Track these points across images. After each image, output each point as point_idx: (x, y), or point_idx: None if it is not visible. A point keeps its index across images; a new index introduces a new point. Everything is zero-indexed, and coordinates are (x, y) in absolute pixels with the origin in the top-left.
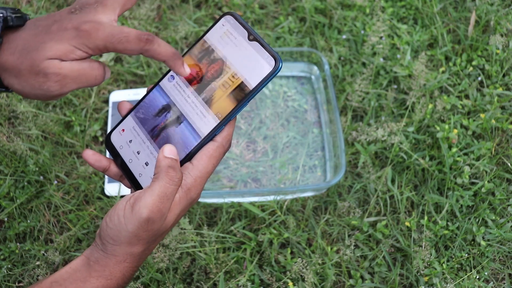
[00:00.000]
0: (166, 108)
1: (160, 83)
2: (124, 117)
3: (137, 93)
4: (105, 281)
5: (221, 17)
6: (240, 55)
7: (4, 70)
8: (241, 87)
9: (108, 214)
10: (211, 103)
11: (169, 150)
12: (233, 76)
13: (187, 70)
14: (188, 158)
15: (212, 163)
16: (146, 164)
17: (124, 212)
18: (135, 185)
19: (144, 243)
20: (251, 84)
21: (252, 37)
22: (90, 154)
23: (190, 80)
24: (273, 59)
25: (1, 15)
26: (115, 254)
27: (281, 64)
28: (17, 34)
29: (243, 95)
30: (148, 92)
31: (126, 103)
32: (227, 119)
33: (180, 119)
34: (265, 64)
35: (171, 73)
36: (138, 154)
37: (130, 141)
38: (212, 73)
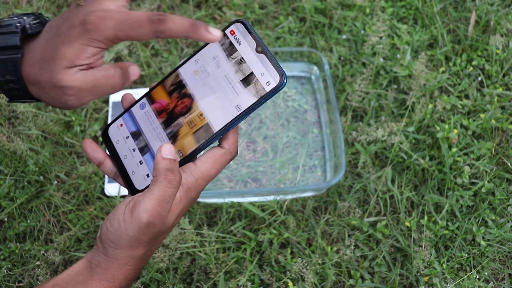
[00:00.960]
0: (135, 135)
1: (131, 109)
2: (124, 112)
3: (137, 93)
4: (107, 284)
5: (230, 24)
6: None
7: (29, 83)
8: (205, 128)
9: (108, 218)
10: (176, 138)
11: (167, 150)
12: (200, 115)
13: (215, 33)
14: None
15: (216, 167)
16: (140, 162)
17: (123, 217)
18: (128, 183)
19: (145, 245)
20: (215, 128)
21: (260, 49)
22: (88, 143)
23: (159, 111)
24: (278, 74)
25: (19, 24)
26: (116, 258)
27: (285, 80)
28: (36, 42)
29: (207, 137)
30: (148, 92)
31: (130, 96)
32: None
33: (146, 149)
34: (270, 79)
35: (143, 100)
36: (134, 151)
37: (127, 137)
38: (180, 109)
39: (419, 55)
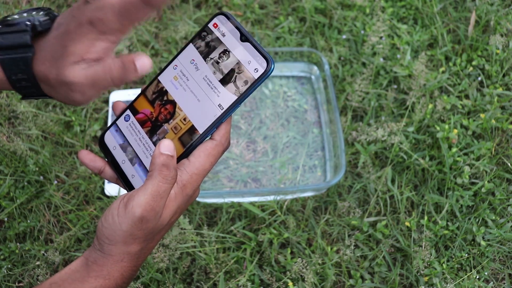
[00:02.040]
0: (123, 147)
1: (117, 122)
2: (117, 118)
3: (135, 94)
4: (103, 281)
5: (213, 17)
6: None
7: (40, 81)
8: (190, 131)
9: (104, 214)
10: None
11: (165, 146)
12: (184, 119)
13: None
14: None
15: (210, 161)
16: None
17: (117, 211)
18: (129, 187)
19: (140, 241)
20: (200, 130)
21: (245, 38)
22: (85, 154)
23: (144, 121)
24: (265, 60)
25: (29, 22)
26: (111, 254)
27: (273, 65)
28: (46, 40)
29: (191, 139)
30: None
31: (120, 103)
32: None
33: (135, 159)
34: (258, 66)
35: (127, 112)
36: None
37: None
38: (164, 115)
39: (419, 55)
